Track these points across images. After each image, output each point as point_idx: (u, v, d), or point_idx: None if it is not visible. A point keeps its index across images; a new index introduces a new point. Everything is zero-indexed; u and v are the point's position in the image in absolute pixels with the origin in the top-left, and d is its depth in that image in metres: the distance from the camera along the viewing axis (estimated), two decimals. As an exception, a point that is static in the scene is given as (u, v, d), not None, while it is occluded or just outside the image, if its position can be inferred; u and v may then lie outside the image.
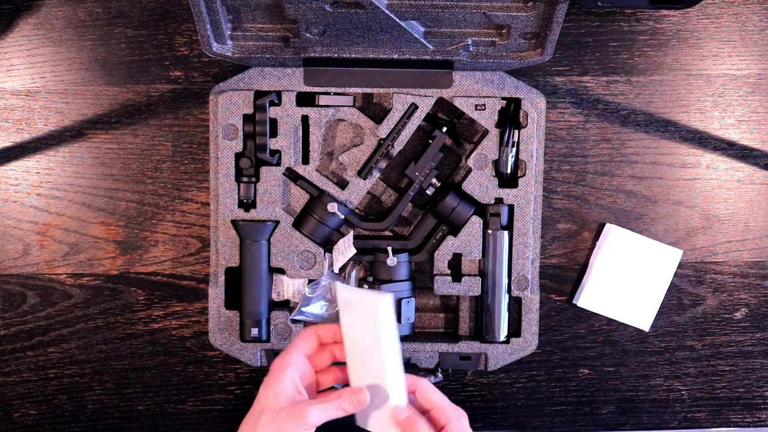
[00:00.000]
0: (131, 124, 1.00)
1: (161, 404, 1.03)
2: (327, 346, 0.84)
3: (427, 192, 0.97)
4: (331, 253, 0.97)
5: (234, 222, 0.96)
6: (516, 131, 0.96)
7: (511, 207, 0.97)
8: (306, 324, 0.99)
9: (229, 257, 0.97)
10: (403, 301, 0.96)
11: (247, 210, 0.96)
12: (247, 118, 0.95)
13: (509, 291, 0.98)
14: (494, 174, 0.96)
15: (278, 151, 0.96)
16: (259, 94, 0.95)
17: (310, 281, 0.99)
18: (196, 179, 1.00)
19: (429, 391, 0.82)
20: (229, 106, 0.95)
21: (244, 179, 0.96)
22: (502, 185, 0.97)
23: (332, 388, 0.82)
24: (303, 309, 0.98)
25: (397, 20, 0.88)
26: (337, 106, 0.96)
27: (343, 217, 0.97)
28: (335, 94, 0.96)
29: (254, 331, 0.97)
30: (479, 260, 0.98)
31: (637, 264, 1.01)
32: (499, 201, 0.97)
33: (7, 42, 0.99)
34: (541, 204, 0.97)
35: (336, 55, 0.92)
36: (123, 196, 1.01)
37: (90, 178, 1.00)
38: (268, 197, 0.96)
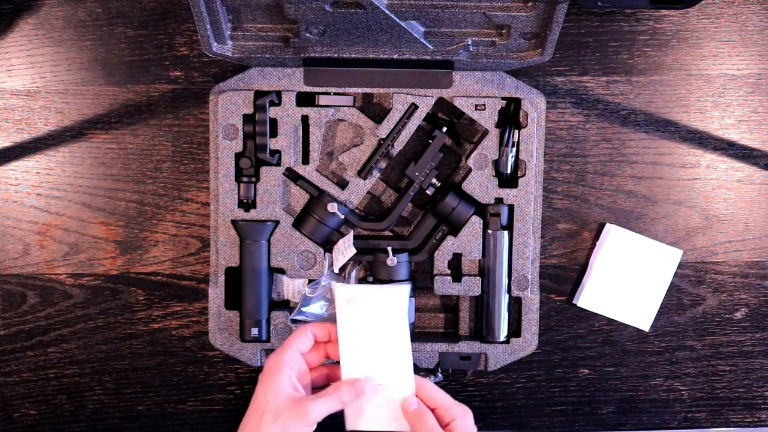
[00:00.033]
0: (131, 124, 1.00)
1: (161, 404, 1.03)
2: (320, 345, 0.84)
3: (427, 192, 0.97)
4: (331, 253, 0.97)
5: (234, 222, 0.96)
6: (516, 131, 0.96)
7: (511, 207, 0.97)
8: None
9: (229, 257, 0.97)
10: (404, 301, 0.97)
11: (247, 210, 0.96)
12: (247, 118, 0.95)
13: (509, 291, 0.98)
14: (494, 174, 0.96)
15: (278, 151, 0.96)
16: (259, 94, 0.95)
17: (310, 281, 0.99)
18: (196, 179, 1.00)
19: (432, 390, 0.82)
20: (229, 106, 0.95)
21: (244, 179, 0.96)
22: (502, 185, 0.97)
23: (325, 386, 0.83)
24: (303, 309, 0.98)
25: (397, 20, 0.88)
26: (337, 106, 0.96)
27: (343, 217, 0.97)
28: (335, 94, 0.96)
29: (254, 331, 0.97)
30: (479, 260, 0.98)
31: (637, 264, 1.01)
32: (499, 201, 0.97)
33: (7, 42, 0.99)
34: (541, 204, 0.97)
35: (336, 55, 0.92)
36: (123, 196, 1.01)
37: (90, 178, 1.00)
38: (268, 197, 0.96)
